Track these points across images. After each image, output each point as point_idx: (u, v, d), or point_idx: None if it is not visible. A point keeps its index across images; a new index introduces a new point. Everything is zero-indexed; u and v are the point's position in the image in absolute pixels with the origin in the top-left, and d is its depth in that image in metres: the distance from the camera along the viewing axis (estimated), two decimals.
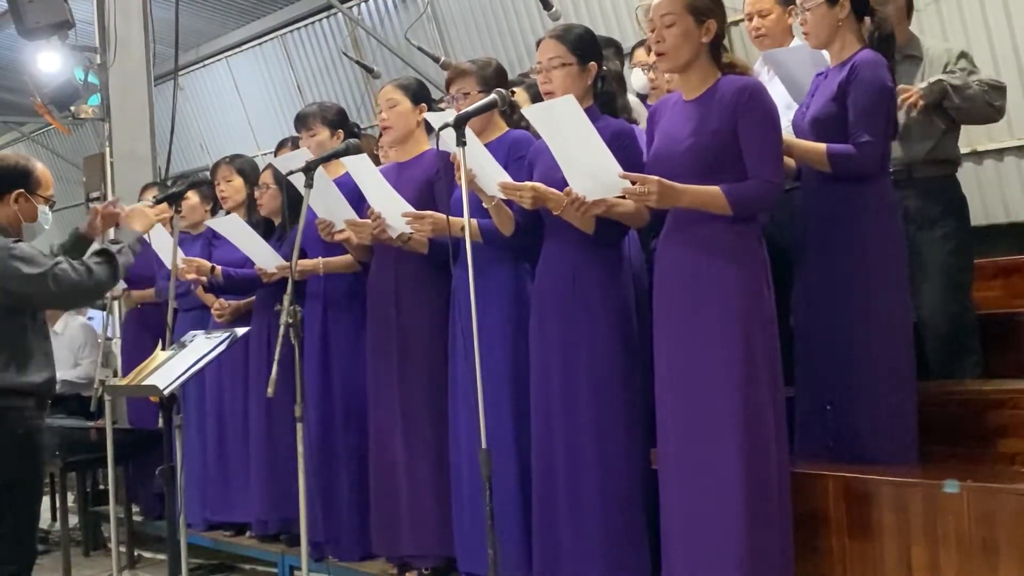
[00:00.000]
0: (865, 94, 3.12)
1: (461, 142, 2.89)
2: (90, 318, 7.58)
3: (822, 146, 3.15)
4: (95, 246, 3.65)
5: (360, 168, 3.59)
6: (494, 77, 3.55)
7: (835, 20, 3.24)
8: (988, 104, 3.76)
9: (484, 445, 2.77)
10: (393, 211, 3.55)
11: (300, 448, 3.31)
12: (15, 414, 3.35)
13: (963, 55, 3.83)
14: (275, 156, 5.01)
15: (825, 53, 3.36)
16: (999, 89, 3.79)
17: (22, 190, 3.49)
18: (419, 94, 3.89)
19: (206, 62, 10.55)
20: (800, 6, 3.30)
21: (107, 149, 6.72)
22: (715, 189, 2.84)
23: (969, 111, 3.75)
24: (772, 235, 3.18)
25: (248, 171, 4.87)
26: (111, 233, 3.95)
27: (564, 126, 2.91)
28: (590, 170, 2.94)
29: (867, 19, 3.26)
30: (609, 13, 7.11)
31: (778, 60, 3.59)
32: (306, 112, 4.30)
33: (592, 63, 3.23)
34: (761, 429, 2.83)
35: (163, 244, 4.48)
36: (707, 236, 2.89)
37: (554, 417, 3.18)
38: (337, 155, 3.65)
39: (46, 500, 6.05)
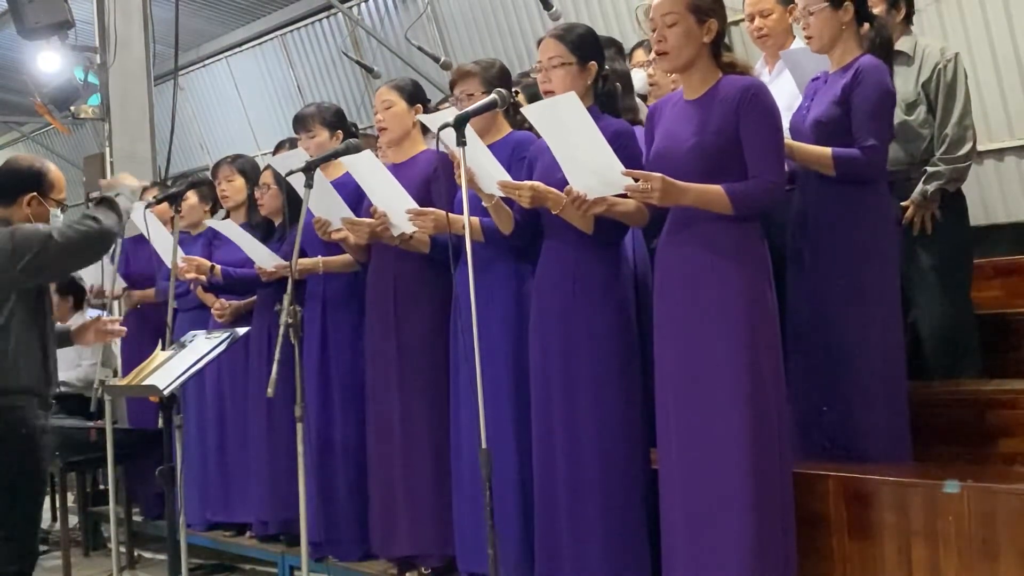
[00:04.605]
0: (870, 98, 3.13)
1: (461, 142, 2.89)
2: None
3: (827, 150, 3.15)
4: (95, 196, 3.56)
5: (363, 164, 3.57)
6: (498, 78, 3.54)
7: (839, 24, 3.24)
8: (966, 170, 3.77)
9: (484, 445, 2.77)
10: (396, 208, 3.55)
11: (300, 448, 3.31)
12: (19, 414, 3.33)
13: (950, 60, 3.74)
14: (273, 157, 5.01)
15: (825, 58, 3.36)
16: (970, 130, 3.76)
17: (35, 193, 3.47)
18: (415, 95, 3.89)
19: (206, 62, 10.56)
20: (803, 10, 3.29)
21: (107, 149, 6.73)
22: (717, 188, 2.83)
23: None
24: (772, 235, 3.18)
25: (249, 171, 4.87)
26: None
27: (565, 124, 2.90)
28: (592, 168, 2.93)
29: (867, 25, 3.27)
30: (609, 13, 7.11)
31: (795, 60, 3.59)
32: (304, 113, 4.29)
33: (592, 63, 3.22)
34: (766, 428, 2.82)
35: (163, 244, 4.48)
36: (709, 235, 2.89)
37: (554, 417, 3.18)
38: (337, 155, 3.64)
39: (46, 500, 6.06)
